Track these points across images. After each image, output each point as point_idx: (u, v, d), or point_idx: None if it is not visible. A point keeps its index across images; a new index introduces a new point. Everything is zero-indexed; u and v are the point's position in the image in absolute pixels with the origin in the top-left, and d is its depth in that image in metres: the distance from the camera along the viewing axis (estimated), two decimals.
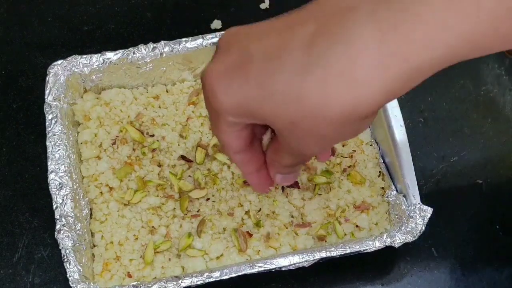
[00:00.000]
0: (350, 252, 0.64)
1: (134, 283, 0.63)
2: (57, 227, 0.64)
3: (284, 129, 0.43)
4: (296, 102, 0.40)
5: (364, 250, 0.64)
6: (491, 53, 0.39)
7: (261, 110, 0.42)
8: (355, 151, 0.72)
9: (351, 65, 0.38)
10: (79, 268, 0.63)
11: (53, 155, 0.67)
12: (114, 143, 0.72)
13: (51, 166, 0.67)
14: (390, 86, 0.39)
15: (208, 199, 0.70)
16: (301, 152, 0.46)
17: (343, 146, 0.73)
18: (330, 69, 0.39)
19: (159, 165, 0.72)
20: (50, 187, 0.66)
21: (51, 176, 0.66)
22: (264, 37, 0.42)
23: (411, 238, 0.64)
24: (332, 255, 0.63)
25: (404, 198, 0.66)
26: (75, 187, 0.67)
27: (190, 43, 0.72)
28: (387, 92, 0.39)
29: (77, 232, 0.65)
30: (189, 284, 0.62)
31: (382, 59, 0.38)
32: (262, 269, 0.63)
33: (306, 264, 0.64)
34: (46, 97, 0.70)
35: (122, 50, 0.72)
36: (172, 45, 0.72)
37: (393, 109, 0.68)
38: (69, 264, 0.63)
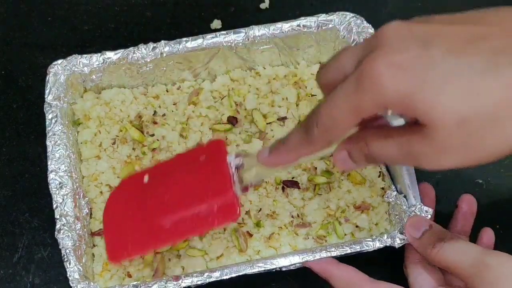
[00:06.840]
0: (350, 252, 0.64)
1: (134, 283, 0.63)
2: (57, 226, 0.64)
3: (446, 125, 0.44)
4: (476, 97, 0.43)
5: (364, 250, 0.64)
6: None
7: (426, 102, 0.44)
8: None
9: None
10: (79, 267, 0.63)
11: (53, 154, 0.67)
12: (114, 143, 0.72)
13: (51, 165, 0.67)
14: None
15: None
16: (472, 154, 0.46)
17: None
18: None
19: None
20: (50, 187, 0.66)
21: (51, 176, 0.66)
22: (445, 38, 0.45)
23: None
24: (332, 255, 0.63)
25: (404, 199, 0.66)
26: (75, 186, 0.67)
27: (190, 43, 0.72)
28: None
29: (77, 232, 0.65)
30: (189, 284, 0.62)
31: None
32: (262, 269, 0.63)
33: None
34: (46, 96, 0.70)
35: (122, 50, 0.72)
36: (172, 45, 0.72)
37: None
38: (69, 263, 0.63)
